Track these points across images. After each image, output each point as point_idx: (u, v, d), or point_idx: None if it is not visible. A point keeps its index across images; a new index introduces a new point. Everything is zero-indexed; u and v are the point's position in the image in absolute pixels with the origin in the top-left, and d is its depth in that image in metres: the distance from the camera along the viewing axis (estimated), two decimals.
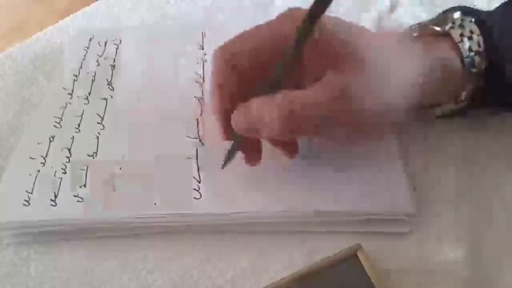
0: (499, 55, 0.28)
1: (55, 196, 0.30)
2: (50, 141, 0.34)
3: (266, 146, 0.30)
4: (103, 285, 0.28)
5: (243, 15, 0.47)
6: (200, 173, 0.31)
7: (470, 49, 0.28)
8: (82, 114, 0.36)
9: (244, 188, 0.29)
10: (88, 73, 0.40)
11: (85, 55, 0.41)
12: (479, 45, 0.28)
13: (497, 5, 0.33)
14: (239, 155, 0.29)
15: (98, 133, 0.34)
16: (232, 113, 0.27)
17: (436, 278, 0.27)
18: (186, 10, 0.48)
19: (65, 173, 0.32)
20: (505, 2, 0.33)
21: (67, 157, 0.33)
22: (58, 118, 0.36)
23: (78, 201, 0.30)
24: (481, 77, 0.29)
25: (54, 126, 0.35)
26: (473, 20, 0.29)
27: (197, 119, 0.35)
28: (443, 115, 0.32)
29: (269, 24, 0.28)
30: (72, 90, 0.38)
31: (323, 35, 0.25)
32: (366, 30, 0.28)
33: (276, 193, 0.29)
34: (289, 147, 0.30)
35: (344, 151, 0.31)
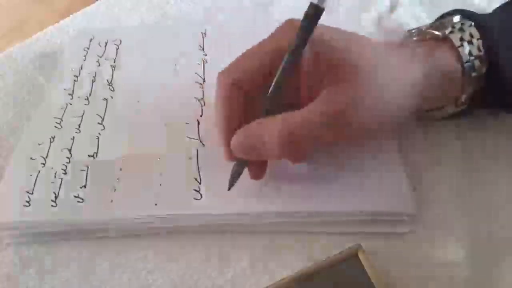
0: (499, 57, 0.28)
1: (56, 197, 0.30)
2: (50, 141, 0.34)
3: None
4: (103, 285, 0.28)
5: (243, 15, 0.47)
6: (201, 174, 0.31)
7: (470, 54, 0.28)
8: (83, 114, 0.36)
9: (244, 189, 0.29)
10: (88, 73, 0.40)
11: (85, 56, 0.41)
12: (479, 49, 0.28)
13: (497, 4, 0.33)
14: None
15: (99, 133, 0.34)
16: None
17: (436, 278, 0.27)
18: (186, 10, 0.48)
19: (65, 173, 0.32)
20: (505, 3, 0.32)
21: (68, 157, 0.33)
22: (59, 118, 0.36)
23: (79, 201, 0.30)
24: (481, 80, 0.29)
25: (55, 126, 0.35)
26: (473, 24, 0.29)
27: (197, 119, 0.35)
28: (443, 118, 0.32)
29: (269, 39, 0.28)
30: (73, 91, 0.38)
31: (319, 47, 0.26)
32: (364, 38, 0.28)
33: (276, 194, 0.29)
34: (259, 168, 0.29)
35: (343, 151, 0.31)
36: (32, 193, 0.31)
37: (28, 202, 0.30)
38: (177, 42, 0.42)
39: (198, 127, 0.34)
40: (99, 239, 0.29)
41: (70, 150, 0.33)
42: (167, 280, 0.28)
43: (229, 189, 0.29)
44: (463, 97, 0.29)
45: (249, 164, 0.29)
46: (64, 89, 0.38)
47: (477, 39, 0.28)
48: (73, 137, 0.34)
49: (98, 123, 0.35)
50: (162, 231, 0.29)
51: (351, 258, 0.26)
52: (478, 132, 0.33)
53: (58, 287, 0.28)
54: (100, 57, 0.41)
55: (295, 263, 0.27)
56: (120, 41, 0.42)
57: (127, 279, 0.28)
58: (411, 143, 0.33)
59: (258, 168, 0.29)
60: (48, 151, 0.33)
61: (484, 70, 0.28)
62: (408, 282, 0.26)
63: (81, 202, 0.30)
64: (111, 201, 0.30)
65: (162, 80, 0.38)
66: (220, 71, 0.29)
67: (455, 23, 0.29)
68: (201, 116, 0.35)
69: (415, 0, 0.45)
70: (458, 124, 0.33)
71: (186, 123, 0.34)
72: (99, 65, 0.40)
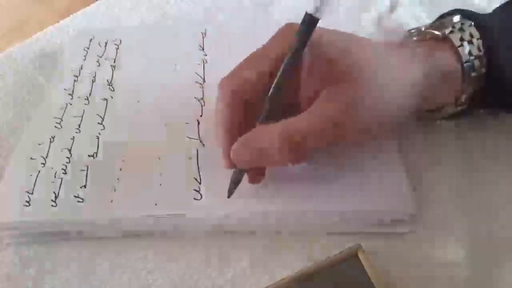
0: (499, 57, 0.28)
1: (56, 197, 0.30)
2: (50, 141, 0.34)
3: None
4: (103, 285, 0.28)
5: (243, 15, 0.47)
6: (201, 174, 0.31)
7: (470, 53, 0.28)
8: (83, 114, 0.36)
9: (244, 189, 0.29)
10: (88, 73, 0.40)
11: (85, 56, 0.41)
12: (479, 49, 0.28)
13: (497, 4, 0.33)
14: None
15: (99, 133, 0.34)
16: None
17: (436, 278, 0.27)
18: (186, 10, 0.48)
19: (65, 173, 0.32)
20: (505, 3, 0.32)
21: (68, 157, 0.33)
22: (59, 118, 0.36)
23: (79, 201, 0.30)
24: (481, 80, 0.29)
25: (55, 126, 0.35)
26: (473, 23, 0.29)
27: (197, 119, 0.35)
28: (443, 118, 0.32)
29: (269, 45, 0.28)
30: (73, 91, 0.38)
31: (318, 49, 0.26)
32: (363, 39, 0.28)
33: (276, 194, 0.29)
34: (257, 173, 0.29)
35: (343, 151, 0.31)
36: (32, 193, 0.31)
37: (28, 202, 0.30)
38: (177, 42, 0.42)
39: (198, 127, 0.34)
40: (99, 239, 0.29)
41: (70, 150, 0.33)
42: (167, 280, 0.28)
43: (228, 196, 0.28)
44: (463, 97, 0.29)
45: (249, 169, 0.29)
46: (64, 89, 0.38)
47: (477, 39, 0.28)
48: (73, 137, 0.34)
49: (98, 123, 0.35)
50: (162, 231, 0.29)
51: (351, 258, 0.26)
52: (478, 132, 0.33)
53: (58, 287, 0.28)
54: (100, 57, 0.41)
55: (295, 263, 0.27)
56: (120, 41, 0.42)
57: (127, 279, 0.28)
58: (411, 143, 0.33)
59: (257, 173, 0.29)
60: (48, 151, 0.33)
61: (484, 70, 0.28)
62: (408, 282, 0.26)
63: (81, 202, 0.30)
64: (111, 201, 0.30)
65: (162, 80, 0.38)
66: (221, 79, 0.29)
67: (455, 23, 0.29)
68: (201, 116, 0.35)
69: (415, 0, 0.45)
70: (458, 124, 0.33)
71: (186, 123, 0.34)
72: (99, 65, 0.40)
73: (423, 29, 0.31)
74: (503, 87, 0.29)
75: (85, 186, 0.31)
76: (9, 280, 0.28)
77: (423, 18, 0.43)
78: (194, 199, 0.30)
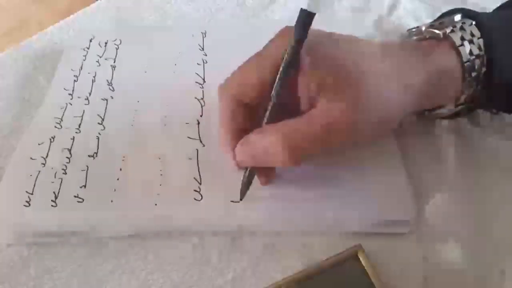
0: (499, 56, 0.28)
1: (56, 197, 0.30)
2: (50, 141, 0.34)
3: None
4: (103, 285, 0.28)
5: (243, 15, 0.47)
6: (201, 174, 0.31)
7: (470, 53, 0.28)
8: (83, 114, 0.36)
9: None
10: (88, 73, 0.40)
11: (85, 56, 0.41)
12: (479, 49, 0.28)
13: (497, 4, 0.33)
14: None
15: (99, 133, 0.34)
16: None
17: (436, 278, 0.27)
18: (186, 10, 0.48)
19: (65, 173, 0.32)
20: (506, 2, 0.32)
21: (68, 157, 0.33)
22: (59, 118, 0.36)
23: (79, 201, 0.30)
24: (481, 79, 0.29)
25: (55, 126, 0.35)
26: (473, 23, 0.29)
27: (197, 119, 0.35)
28: (443, 117, 0.32)
29: (267, 50, 0.28)
30: (73, 91, 0.38)
31: (316, 52, 0.26)
32: (362, 41, 0.28)
33: (276, 194, 0.29)
34: (267, 172, 0.30)
35: (343, 152, 0.31)
36: (32, 193, 0.31)
37: (28, 202, 0.30)
38: (177, 42, 0.42)
39: (198, 127, 0.34)
40: (99, 239, 0.29)
41: (70, 150, 0.33)
42: (167, 281, 0.28)
43: (241, 199, 0.29)
44: (463, 97, 0.29)
45: (259, 171, 0.29)
46: (64, 89, 0.38)
47: (478, 38, 0.28)
48: (73, 137, 0.34)
49: (98, 123, 0.35)
50: (162, 231, 0.29)
51: (351, 258, 0.26)
52: (478, 132, 0.33)
53: (58, 287, 0.28)
54: (100, 57, 0.41)
55: (295, 263, 0.27)
56: (120, 41, 0.42)
57: (127, 279, 0.28)
58: (411, 143, 0.33)
59: (267, 174, 0.29)
60: (48, 151, 0.33)
61: (484, 69, 0.28)
62: (408, 282, 0.26)
63: (81, 202, 0.30)
64: (111, 201, 0.30)
65: (162, 80, 0.38)
66: (219, 83, 0.29)
67: (456, 22, 0.29)
68: (201, 116, 0.35)
69: (415, 0, 0.45)
70: (458, 124, 0.33)
71: (186, 123, 0.34)
72: (99, 65, 0.40)
73: (423, 29, 0.31)
74: (503, 87, 0.29)
75: (85, 186, 0.31)
76: (9, 280, 0.28)
77: (423, 18, 0.43)
78: (194, 199, 0.30)
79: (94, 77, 0.39)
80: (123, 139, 0.34)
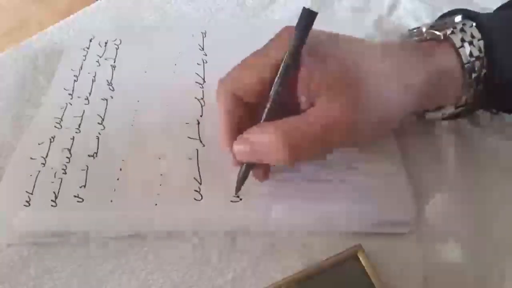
0: (499, 58, 0.28)
1: (56, 197, 0.30)
2: (50, 141, 0.34)
3: None
4: (103, 285, 0.28)
5: (243, 15, 0.47)
6: (201, 174, 0.31)
7: (470, 55, 0.28)
8: (83, 114, 0.36)
9: (244, 189, 0.29)
10: (88, 73, 0.40)
11: (85, 56, 0.41)
12: (480, 51, 0.28)
13: (498, 4, 0.33)
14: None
15: (99, 133, 0.34)
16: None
17: (436, 278, 0.27)
18: (186, 10, 0.48)
19: (65, 173, 0.32)
20: (507, 2, 0.32)
21: (68, 157, 0.33)
22: (59, 118, 0.36)
23: (78, 201, 0.30)
24: (481, 81, 0.29)
25: (55, 126, 0.35)
26: (474, 24, 0.29)
27: (197, 119, 0.35)
28: (443, 118, 0.32)
29: (267, 49, 0.28)
30: (73, 91, 0.38)
31: (316, 52, 0.26)
32: (363, 41, 0.28)
33: (275, 194, 0.29)
34: (264, 168, 0.30)
35: (343, 153, 0.31)
36: (32, 193, 0.31)
37: (28, 202, 0.30)
38: (177, 42, 0.42)
39: (198, 127, 0.34)
40: (99, 239, 0.29)
41: (70, 150, 0.33)
42: (167, 281, 0.28)
43: (236, 193, 0.29)
44: (463, 98, 0.29)
45: (255, 166, 0.29)
46: (64, 89, 0.38)
47: (478, 39, 0.28)
48: (73, 137, 0.34)
49: (98, 123, 0.35)
50: (162, 231, 0.29)
51: (351, 258, 0.26)
52: (478, 132, 0.33)
53: (58, 287, 0.28)
54: (100, 57, 0.41)
55: (295, 263, 0.27)
56: (120, 41, 0.42)
57: (127, 279, 0.28)
58: (411, 143, 0.33)
59: (263, 170, 0.29)
60: (48, 151, 0.33)
61: (484, 71, 0.28)
62: (408, 282, 0.26)
63: (81, 202, 0.30)
64: (111, 201, 0.30)
65: (162, 80, 0.38)
66: (219, 79, 0.29)
67: (457, 23, 0.29)
68: (201, 116, 0.35)
69: (415, 0, 0.45)
70: (458, 124, 0.33)
71: (186, 123, 0.34)
72: (99, 65, 0.40)
73: (424, 29, 0.31)
74: (503, 88, 0.29)
75: (85, 186, 0.31)
76: (9, 280, 0.28)
77: (423, 18, 0.43)
78: (194, 199, 0.30)
79: (94, 77, 0.39)
80: (123, 139, 0.34)
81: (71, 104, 0.37)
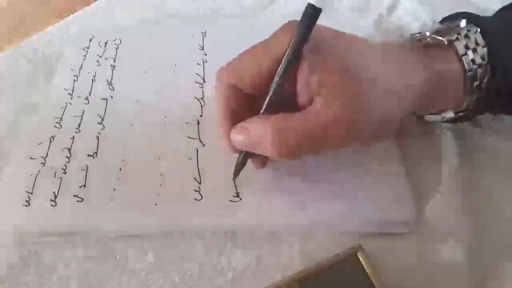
0: (502, 64, 0.28)
1: (55, 197, 0.30)
2: (50, 141, 0.34)
3: None
4: (103, 285, 0.28)
5: (243, 15, 0.47)
6: (201, 174, 0.31)
7: (473, 62, 0.28)
8: (82, 114, 0.36)
9: (243, 189, 0.29)
10: (88, 73, 0.40)
11: (85, 55, 0.41)
12: (482, 58, 0.28)
13: (498, 3, 0.33)
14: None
15: (98, 133, 0.34)
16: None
17: (436, 278, 0.27)
18: (186, 10, 0.48)
19: (65, 173, 0.32)
20: (509, 4, 0.32)
21: (67, 157, 0.33)
22: (58, 118, 0.36)
23: (78, 201, 0.30)
24: (483, 88, 0.28)
25: (54, 126, 0.35)
26: (478, 30, 0.28)
27: (197, 119, 0.35)
28: (443, 121, 0.32)
29: (269, 42, 0.27)
30: (72, 90, 0.38)
31: (318, 49, 0.26)
32: (364, 41, 0.28)
33: (275, 194, 0.29)
34: (261, 159, 0.30)
35: (343, 153, 0.31)
36: (32, 193, 0.31)
37: (28, 202, 0.30)
38: (177, 42, 0.42)
39: (198, 127, 0.34)
40: (99, 239, 0.29)
41: (70, 150, 0.33)
42: (167, 281, 0.28)
43: (233, 179, 0.29)
44: (464, 104, 0.29)
45: (252, 155, 0.29)
46: (64, 89, 0.38)
47: (483, 47, 0.28)
48: (73, 137, 0.34)
49: (98, 123, 0.35)
50: (162, 231, 0.29)
51: (351, 258, 0.26)
52: (478, 132, 0.33)
53: (58, 287, 0.28)
54: (100, 57, 0.41)
55: (295, 263, 0.27)
56: (120, 41, 0.42)
57: (127, 279, 0.28)
58: (411, 143, 0.33)
59: (261, 159, 0.29)
60: (48, 151, 0.33)
61: (486, 79, 0.28)
62: (408, 282, 0.26)
63: (81, 202, 0.30)
64: (111, 201, 0.30)
65: (162, 80, 0.38)
66: (219, 68, 0.29)
67: (461, 28, 0.29)
68: (201, 116, 0.35)
69: (415, 0, 0.45)
70: (458, 124, 0.33)
71: (186, 123, 0.34)
72: (99, 65, 0.40)
73: (427, 34, 0.30)
74: (505, 88, 0.29)
75: (84, 186, 0.31)
76: (9, 280, 0.28)
77: (423, 18, 0.43)
78: (194, 199, 0.30)
79: (94, 76, 0.39)
80: (123, 139, 0.34)
81: (71, 104, 0.37)
